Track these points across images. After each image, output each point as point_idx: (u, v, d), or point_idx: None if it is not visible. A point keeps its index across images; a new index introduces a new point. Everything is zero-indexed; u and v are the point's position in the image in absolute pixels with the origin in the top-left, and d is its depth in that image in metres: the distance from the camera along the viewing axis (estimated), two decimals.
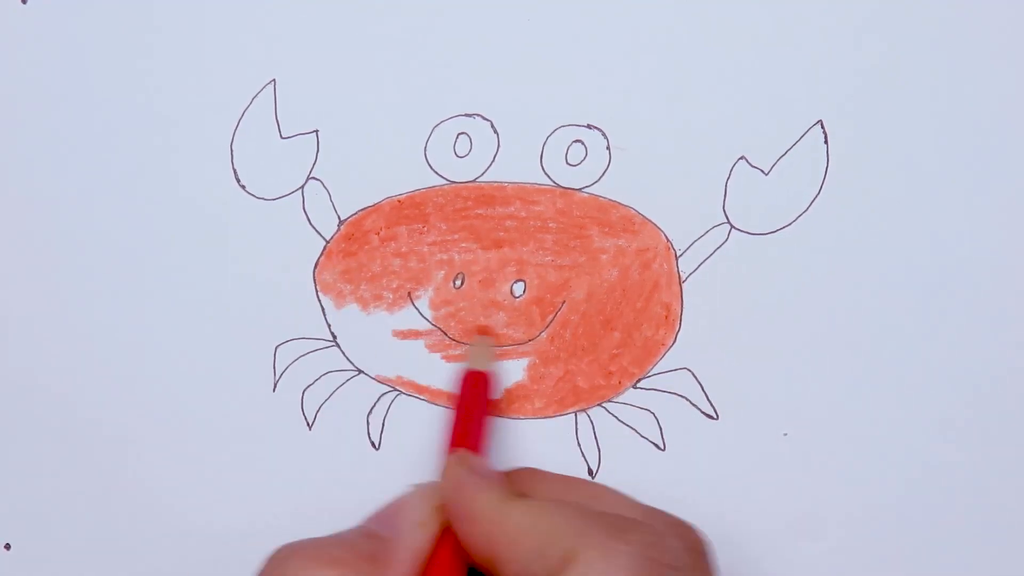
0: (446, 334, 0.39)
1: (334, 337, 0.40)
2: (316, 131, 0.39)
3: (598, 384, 0.39)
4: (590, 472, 0.39)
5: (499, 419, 0.39)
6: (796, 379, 0.39)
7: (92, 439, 0.41)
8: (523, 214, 0.39)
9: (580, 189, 0.39)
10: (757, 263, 0.38)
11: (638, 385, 0.39)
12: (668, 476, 0.39)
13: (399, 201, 0.39)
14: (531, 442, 0.39)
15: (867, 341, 0.38)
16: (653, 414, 0.39)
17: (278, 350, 0.40)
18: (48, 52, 0.39)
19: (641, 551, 0.31)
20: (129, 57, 0.39)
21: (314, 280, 0.39)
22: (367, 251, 0.39)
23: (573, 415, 0.39)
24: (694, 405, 0.39)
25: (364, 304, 0.39)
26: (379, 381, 0.40)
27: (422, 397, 0.40)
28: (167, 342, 0.40)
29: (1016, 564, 0.39)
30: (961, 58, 0.37)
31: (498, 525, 0.32)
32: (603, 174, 0.38)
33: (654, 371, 0.39)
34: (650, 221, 0.39)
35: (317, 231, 0.39)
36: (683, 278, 0.39)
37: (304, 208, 0.39)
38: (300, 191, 0.39)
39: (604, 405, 0.39)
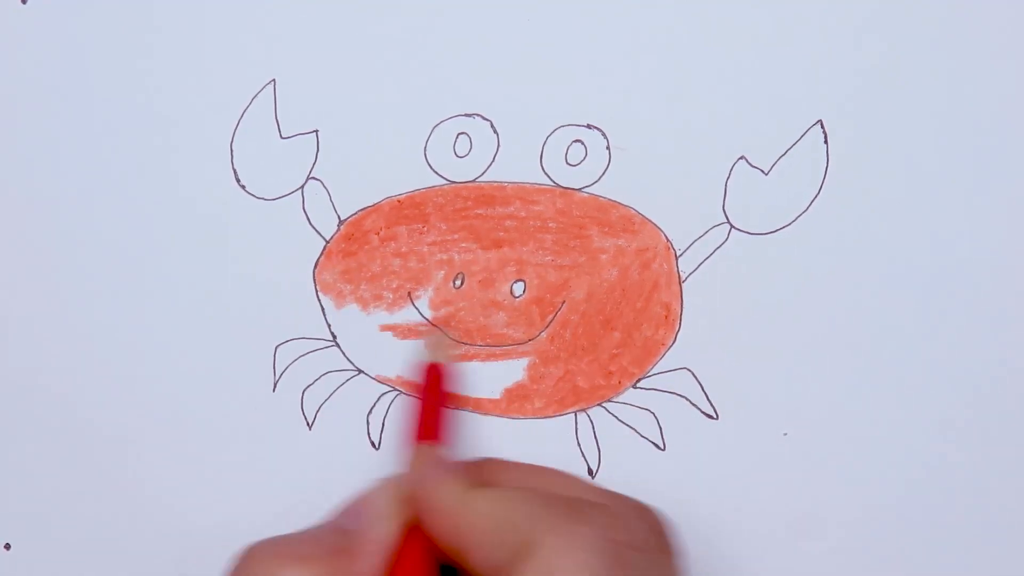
0: (446, 334, 0.39)
1: (334, 337, 0.40)
2: (316, 131, 0.39)
3: (598, 384, 0.39)
4: (590, 472, 0.39)
5: (499, 419, 0.39)
6: (796, 379, 0.39)
7: (92, 439, 0.41)
8: (523, 214, 0.39)
9: (580, 189, 0.39)
10: (757, 263, 0.38)
11: (638, 385, 0.39)
12: (668, 476, 0.39)
13: (399, 201, 0.39)
14: (531, 442, 0.39)
15: (867, 341, 0.38)
16: (653, 414, 0.39)
17: (278, 350, 0.40)
18: (48, 52, 0.39)
19: (601, 532, 0.31)
20: (129, 57, 0.39)
21: (314, 280, 0.39)
22: (367, 251, 0.39)
23: (573, 415, 0.39)
24: (694, 405, 0.39)
25: (364, 304, 0.39)
26: (379, 381, 0.40)
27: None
28: (167, 342, 0.40)
29: (1016, 564, 0.39)
30: (961, 58, 0.37)
31: (460, 516, 0.33)
32: (603, 174, 0.38)
33: (654, 371, 0.39)
34: (650, 221, 0.39)
35: (317, 231, 0.39)
36: (683, 278, 0.39)
37: (304, 208, 0.39)
38: (300, 191, 0.39)
39: (604, 405, 0.39)
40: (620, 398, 0.39)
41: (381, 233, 0.39)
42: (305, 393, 0.40)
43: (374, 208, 0.39)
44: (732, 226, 0.38)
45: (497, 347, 0.39)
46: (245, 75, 0.39)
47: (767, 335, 0.38)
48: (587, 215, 0.39)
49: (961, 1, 0.37)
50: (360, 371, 0.40)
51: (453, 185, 0.39)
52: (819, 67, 0.38)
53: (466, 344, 0.39)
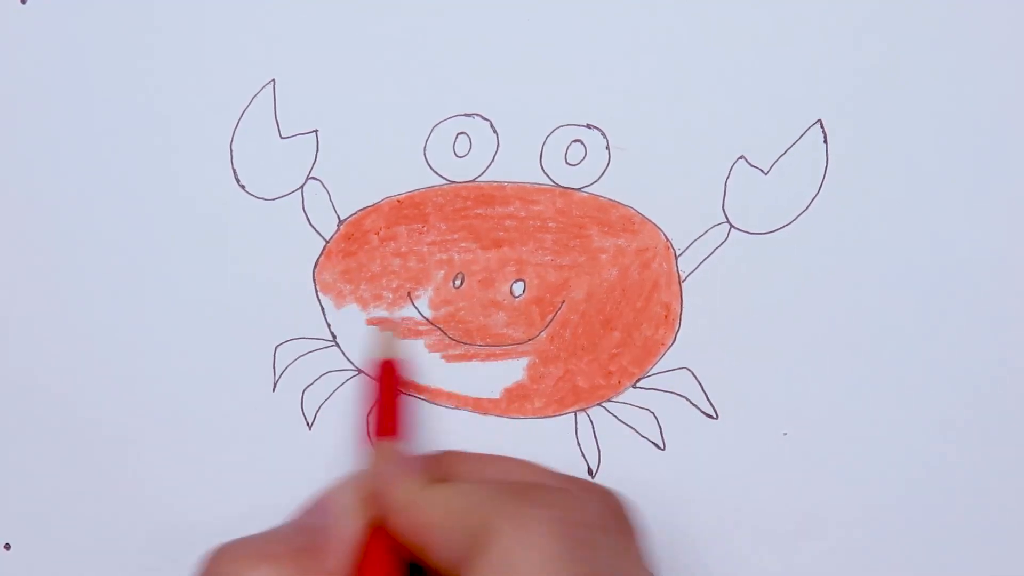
0: (446, 334, 0.39)
1: (334, 337, 0.40)
2: (316, 131, 0.39)
3: (598, 384, 0.39)
4: (590, 472, 0.39)
5: (499, 418, 0.39)
6: (796, 379, 0.39)
7: (92, 439, 0.41)
8: (523, 214, 0.39)
9: (580, 189, 0.39)
10: (756, 262, 0.38)
11: (638, 385, 0.39)
12: (668, 476, 0.39)
13: (398, 201, 0.39)
14: (531, 442, 0.39)
15: (867, 341, 0.38)
16: (653, 414, 0.39)
17: (278, 350, 0.40)
18: (48, 52, 0.39)
19: (557, 514, 0.31)
20: (129, 57, 0.39)
21: (314, 280, 0.40)
22: (367, 251, 0.39)
23: (573, 415, 0.39)
24: (694, 405, 0.39)
25: (364, 304, 0.39)
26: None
27: (422, 397, 0.40)
28: (167, 342, 0.40)
29: (1016, 564, 0.39)
30: (961, 58, 0.37)
31: (418, 513, 0.33)
32: (602, 174, 0.38)
33: (654, 371, 0.39)
34: (649, 221, 0.39)
35: (317, 231, 0.39)
36: (683, 278, 0.39)
37: (304, 208, 0.39)
38: (300, 191, 0.39)
39: (604, 405, 0.39)
40: (620, 398, 0.39)
41: (381, 233, 0.39)
42: (305, 393, 0.40)
43: (374, 208, 0.39)
44: (732, 226, 0.38)
45: (497, 347, 0.39)
46: (245, 75, 0.39)
47: (767, 335, 0.38)
48: (587, 215, 0.39)
49: (961, 1, 0.37)
50: (360, 371, 0.40)
51: (453, 185, 0.39)
52: (819, 67, 0.38)
53: (466, 344, 0.39)
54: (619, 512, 0.35)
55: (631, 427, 0.39)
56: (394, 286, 0.39)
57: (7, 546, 0.41)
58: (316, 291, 0.40)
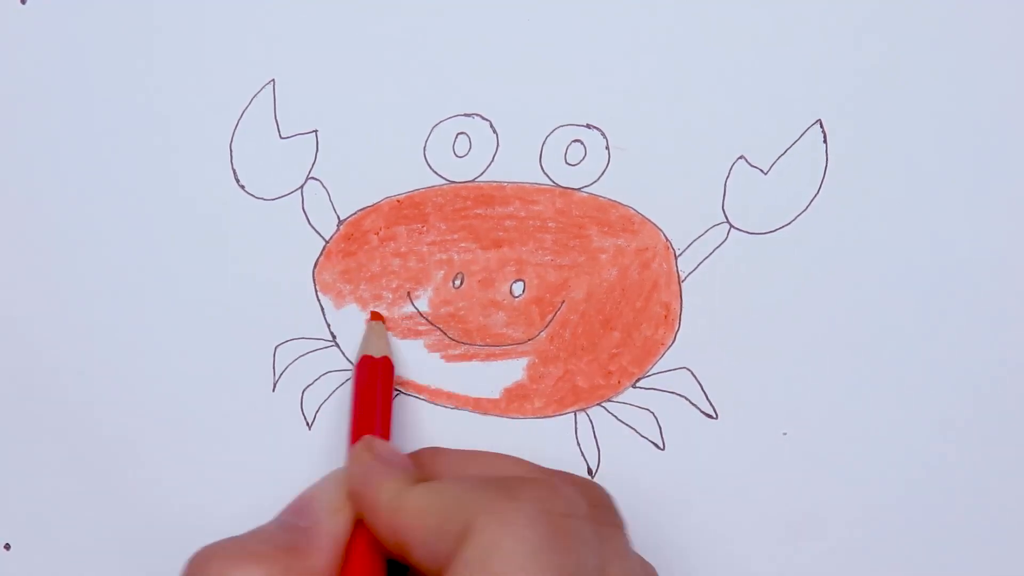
0: (446, 334, 0.39)
1: (334, 337, 0.40)
2: (315, 131, 0.39)
3: (598, 384, 0.39)
4: (589, 472, 0.39)
5: (499, 418, 0.39)
6: (796, 379, 0.39)
7: (92, 439, 0.41)
8: (522, 214, 0.39)
9: (579, 189, 0.39)
10: (756, 262, 0.38)
11: (637, 385, 0.39)
12: (668, 476, 0.39)
13: (398, 201, 0.39)
14: (531, 442, 0.39)
15: (867, 341, 0.38)
16: (653, 414, 0.39)
17: (278, 350, 0.40)
18: (48, 52, 0.39)
19: (537, 505, 0.31)
20: (129, 57, 0.39)
21: (314, 280, 0.40)
22: (366, 251, 0.39)
23: (573, 415, 0.39)
24: (693, 405, 0.39)
25: (364, 304, 0.39)
26: None
27: (422, 397, 0.40)
28: (167, 342, 0.40)
29: (1016, 564, 0.39)
30: (961, 58, 0.37)
31: (398, 513, 0.32)
32: (602, 174, 0.38)
33: (653, 370, 0.39)
34: (649, 220, 0.39)
35: (316, 231, 0.39)
36: (682, 277, 0.39)
37: (303, 208, 0.39)
38: (299, 191, 0.39)
39: (604, 405, 0.39)
40: (620, 398, 0.39)
41: (380, 233, 0.39)
42: (305, 393, 0.40)
43: (373, 208, 0.39)
44: (731, 226, 0.38)
45: (496, 347, 0.39)
46: (245, 75, 0.39)
47: (767, 335, 0.38)
48: (586, 215, 0.39)
49: (961, 1, 0.37)
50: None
51: (452, 185, 0.39)
52: (819, 67, 0.38)
53: (466, 344, 0.39)
54: (602, 503, 0.35)
55: (631, 427, 0.39)
56: (394, 286, 0.39)
57: (7, 546, 0.41)
58: (316, 291, 0.40)
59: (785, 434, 0.39)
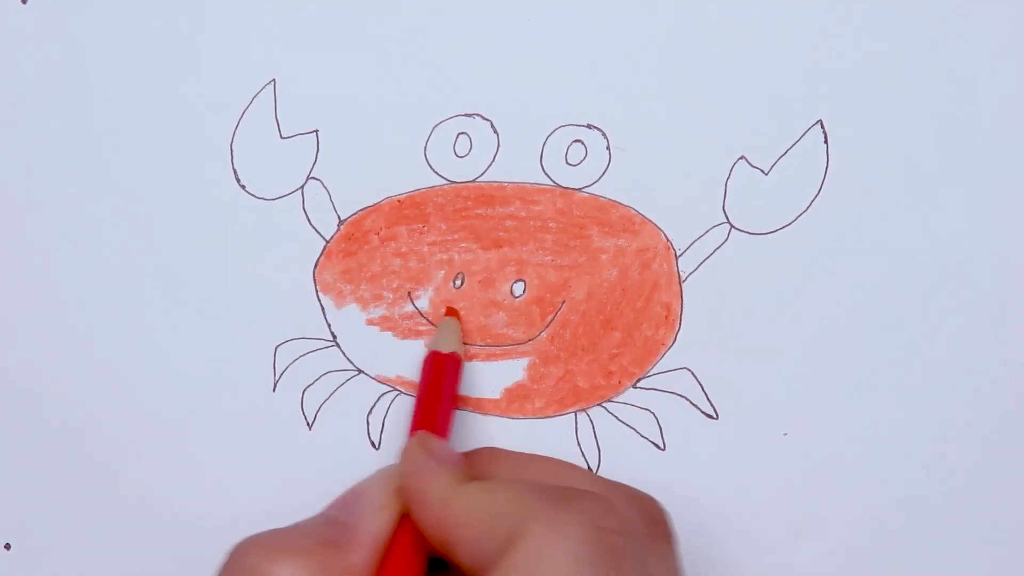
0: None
1: (334, 337, 0.40)
2: (316, 131, 0.39)
3: (598, 384, 0.39)
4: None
5: (499, 418, 0.39)
6: (796, 379, 0.39)
7: (92, 439, 0.41)
8: (523, 214, 0.39)
9: (580, 189, 0.39)
10: (757, 263, 0.38)
11: (638, 385, 0.39)
12: (668, 476, 0.39)
13: (399, 201, 0.39)
14: (531, 442, 0.39)
15: (867, 341, 0.38)
16: (653, 414, 0.39)
17: (278, 350, 0.40)
18: (48, 52, 0.39)
19: (588, 519, 0.30)
20: (129, 57, 0.39)
21: (314, 280, 0.39)
22: (367, 251, 0.39)
23: (573, 415, 0.39)
24: (694, 405, 0.39)
25: (364, 304, 0.39)
26: (379, 381, 0.40)
27: None
28: (167, 342, 0.40)
29: (1016, 564, 0.39)
30: (961, 58, 0.37)
31: (447, 511, 0.32)
32: (603, 174, 0.38)
33: (654, 371, 0.39)
34: (650, 221, 0.39)
35: (317, 231, 0.39)
36: (683, 278, 0.39)
37: (304, 208, 0.39)
38: (300, 191, 0.39)
39: (604, 405, 0.39)
40: (620, 398, 0.39)
41: (381, 233, 0.39)
42: (305, 393, 0.40)
43: (374, 208, 0.39)
44: (732, 226, 0.38)
45: (497, 347, 0.39)
46: (245, 75, 0.39)
47: (767, 335, 0.38)
48: (587, 215, 0.39)
49: (961, 1, 0.37)
50: (360, 371, 0.40)
51: (453, 185, 0.39)
52: (819, 67, 0.38)
53: (466, 344, 0.39)
54: (656, 519, 0.34)
55: (631, 427, 0.39)
56: (394, 286, 0.39)
57: (7, 546, 0.41)
58: (316, 291, 0.40)
59: (785, 434, 0.39)
